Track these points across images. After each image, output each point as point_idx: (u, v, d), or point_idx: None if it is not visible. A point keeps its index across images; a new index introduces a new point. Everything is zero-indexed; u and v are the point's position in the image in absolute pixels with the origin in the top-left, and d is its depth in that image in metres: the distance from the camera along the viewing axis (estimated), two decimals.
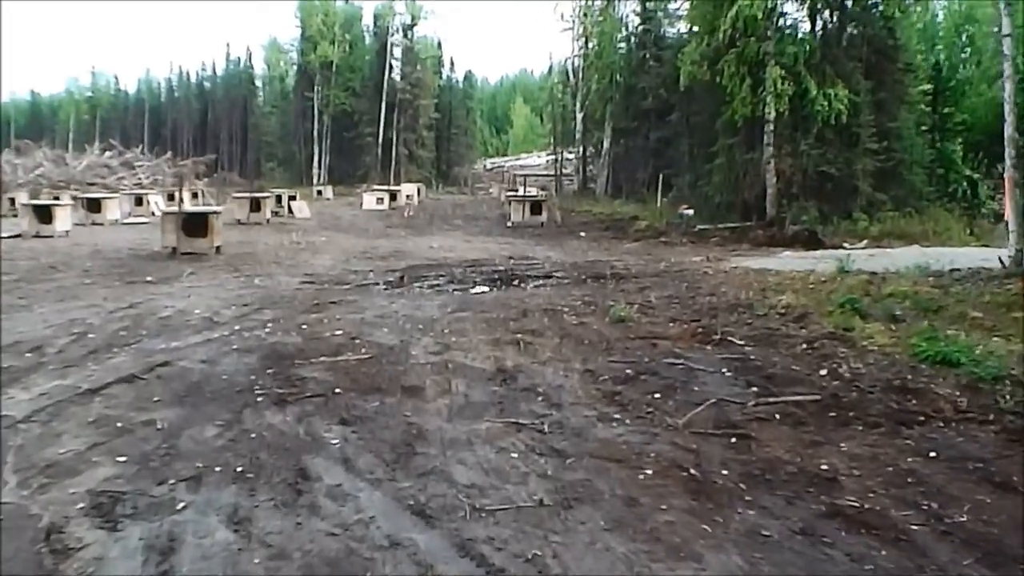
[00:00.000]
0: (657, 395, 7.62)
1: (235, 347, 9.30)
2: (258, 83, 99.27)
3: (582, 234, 30.24)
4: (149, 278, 15.23)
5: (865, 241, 25.76)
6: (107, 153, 72.57)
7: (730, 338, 10.01)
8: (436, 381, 8.01)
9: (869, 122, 29.31)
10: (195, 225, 19.35)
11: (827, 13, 30.57)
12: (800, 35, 30.24)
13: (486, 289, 14.98)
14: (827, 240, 25.60)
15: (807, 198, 28.06)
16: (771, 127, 28.67)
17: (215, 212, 20.10)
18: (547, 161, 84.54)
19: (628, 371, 8.51)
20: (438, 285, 15.38)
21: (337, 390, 7.55)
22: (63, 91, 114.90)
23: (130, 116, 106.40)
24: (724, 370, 8.58)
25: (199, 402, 7.22)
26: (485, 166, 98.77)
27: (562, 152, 61.70)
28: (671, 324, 11.07)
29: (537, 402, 7.39)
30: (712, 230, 28.30)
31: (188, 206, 39.48)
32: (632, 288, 14.80)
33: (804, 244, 25.05)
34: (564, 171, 62.71)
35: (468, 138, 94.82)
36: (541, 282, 16.01)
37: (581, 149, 59.27)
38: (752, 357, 9.06)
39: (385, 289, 14.61)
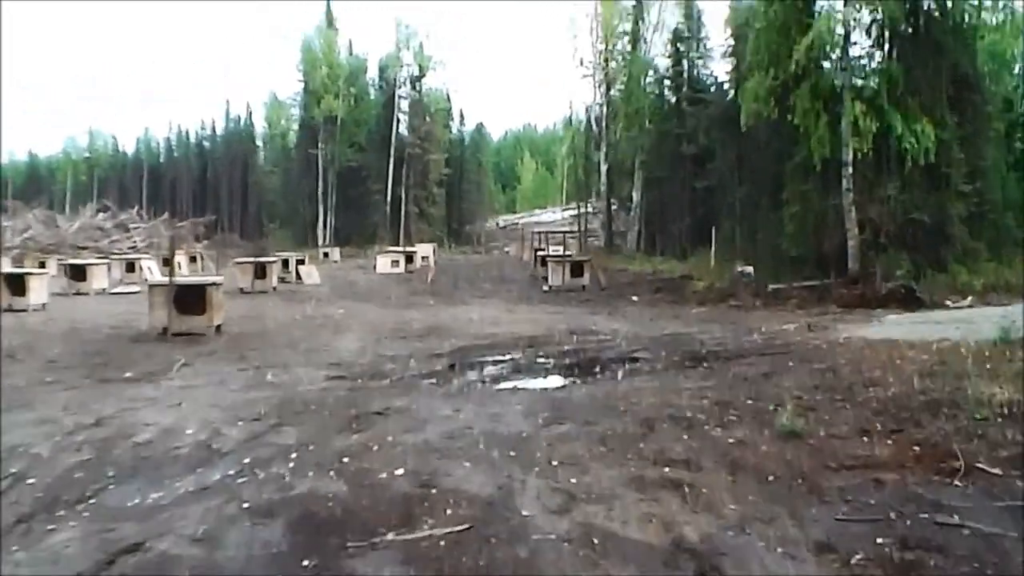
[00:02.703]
0: None
1: (246, 505, 6.09)
2: (259, 141, 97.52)
3: (634, 298, 27.11)
4: (129, 373, 11.94)
5: (970, 297, 22.62)
6: (101, 214, 70.15)
7: (979, 465, 6.84)
8: None
9: (959, 161, 26.22)
10: (190, 299, 16.07)
11: (899, 42, 27.44)
12: (877, 64, 27.10)
13: (567, 381, 11.86)
14: (926, 297, 22.43)
15: (896, 249, 24.84)
16: (849, 170, 25.53)
17: (214, 283, 16.78)
18: (563, 216, 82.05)
19: (882, 541, 5.42)
20: (503, 376, 12.26)
21: None
22: (60, 152, 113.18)
23: (128, 176, 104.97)
24: None
25: None
26: (498, 223, 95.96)
27: (586, 206, 58.76)
28: (865, 438, 7.89)
29: None
30: (787, 289, 25.11)
31: (186, 272, 36.68)
32: (752, 374, 11.65)
33: (901, 303, 21.92)
34: (588, 226, 59.82)
35: (480, 194, 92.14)
36: (629, 367, 12.95)
37: (606, 202, 56.28)
38: None
39: (438, 385, 11.40)
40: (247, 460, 7.29)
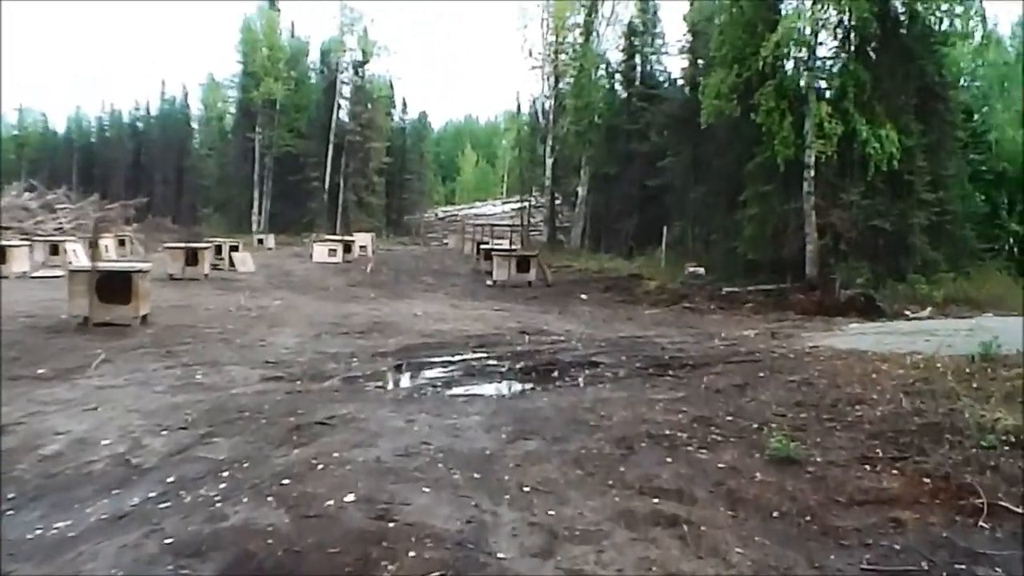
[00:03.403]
0: None
1: (168, 540, 5.15)
2: (194, 124, 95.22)
3: (583, 296, 26.33)
4: (41, 370, 10.72)
5: (929, 309, 22.23)
6: (27, 194, 67.92)
7: (1002, 502, 6.20)
8: None
9: (922, 169, 25.79)
10: (114, 287, 14.82)
11: (866, 45, 26.87)
12: (842, 67, 26.39)
13: (526, 387, 11.01)
14: (885, 307, 21.99)
15: (857, 257, 24.30)
16: (811, 173, 24.97)
17: (140, 270, 15.45)
18: (504, 210, 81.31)
19: None
20: (456, 380, 11.33)
21: None
22: None
23: (59, 156, 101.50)
24: None
25: None
26: (437, 215, 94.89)
27: (530, 200, 57.97)
28: (868, 467, 7.19)
29: None
30: (741, 293, 24.54)
31: (114, 256, 35.19)
32: (723, 385, 10.92)
33: (860, 312, 21.48)
34: (530, 220, 59.00)
35: (421, 184, 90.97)
36: (590, 373, 12.10)
37: (550, 197, 55.52)
38: None
39: (385, 390, 10.45)
40: (171, 479, 6.33)
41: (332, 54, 73.94)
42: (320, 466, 6.70)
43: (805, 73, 25.47)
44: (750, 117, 25.31)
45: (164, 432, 7.69)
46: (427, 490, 6.20)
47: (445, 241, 67.90)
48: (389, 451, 7.22)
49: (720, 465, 7.11)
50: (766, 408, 9.46)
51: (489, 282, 29.52)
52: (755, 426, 8.49)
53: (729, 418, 8.89)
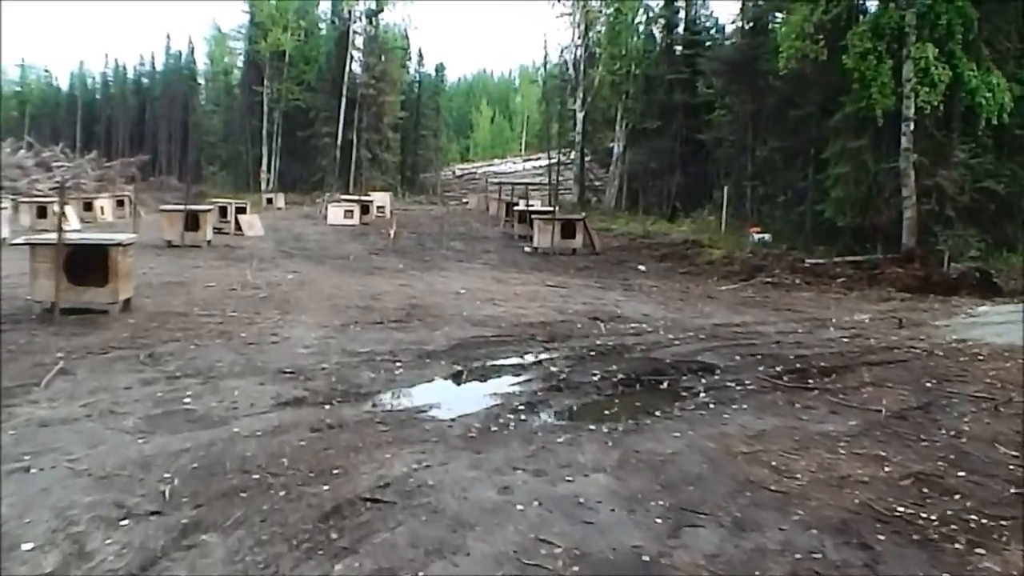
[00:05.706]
0: None
1: None
2: (200, 80, 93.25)
3: (640, 267, 23.49)
4: None
5: None
6: (22, 152, 65.43)
7: None
8: None
9: None
10: (87, 264, 11.96)
11: None
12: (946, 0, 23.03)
13: (638, 410, 8.08)
14: (1002, 283, 19.25)
15: (964, 224, 21.28)
16: (910, 126, 21.91)
17: (119, 243, 12.38)
18: (525, 167, 78.81)
19: None
20: (541, 399, 8.40)
21: None
22: None
23: (62, 113, 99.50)
24: None
25: None
26: (454, 172, 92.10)
27: (559, 157, 55.24)
28: None
29: None
30: (828, 265, 21.66)
31: (111, 219, 32.55)
32: (895, 405, 8.39)
33: (974, 290, 18.73)
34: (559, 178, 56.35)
35: (437, 141, 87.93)
36: (708, 383, 9.28)
37: (580, 154, 52.70)
38: None
39: (449, 422, 7.43)
40: None
41: (344, 2, 71.07)
42: None
43: (906, 10, 22.08)
44: (832, 62, 22.28)
45: (124, 521, 4.87)
46: None
47: (464, 201, 65.24)
48: (491, 564, 4.46)
49: None
50: (993, 452, 6.75)
51: (528, 248, 26.90)
52: (1012, 491, 5.77)
53: (960, 474, 6.18)
